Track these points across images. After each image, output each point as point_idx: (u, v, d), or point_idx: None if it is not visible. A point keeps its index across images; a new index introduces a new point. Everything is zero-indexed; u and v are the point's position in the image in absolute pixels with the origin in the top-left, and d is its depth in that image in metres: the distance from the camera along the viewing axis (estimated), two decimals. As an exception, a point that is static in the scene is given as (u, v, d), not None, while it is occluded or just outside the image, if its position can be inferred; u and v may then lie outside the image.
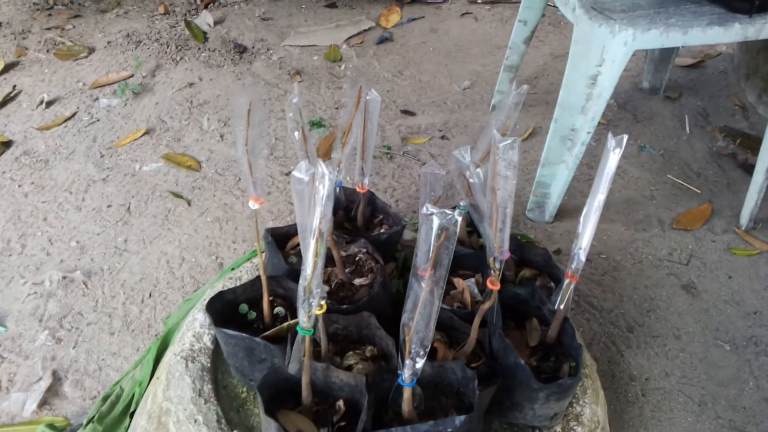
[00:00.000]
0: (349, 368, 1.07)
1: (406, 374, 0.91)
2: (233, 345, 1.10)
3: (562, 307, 1.08)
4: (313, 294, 0.87)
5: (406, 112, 2.24)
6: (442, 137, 2.13)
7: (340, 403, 0.99)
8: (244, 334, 1.06)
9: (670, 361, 1.46)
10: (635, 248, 1.73)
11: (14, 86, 2.44)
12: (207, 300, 1.14)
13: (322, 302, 0.97)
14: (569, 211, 1.83)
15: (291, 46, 2.65)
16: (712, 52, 2.62)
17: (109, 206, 1.88)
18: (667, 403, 1.38)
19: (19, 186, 1.96)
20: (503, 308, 1.11)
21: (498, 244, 0.94)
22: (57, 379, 1.44)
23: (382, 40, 2.69)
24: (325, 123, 2.17)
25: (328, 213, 0.84)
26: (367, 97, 1.21)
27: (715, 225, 1.81)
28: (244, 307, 1.18)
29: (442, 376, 1.02)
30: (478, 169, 1.15)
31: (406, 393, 0.92)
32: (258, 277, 1.16)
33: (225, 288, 1.37)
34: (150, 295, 1.62)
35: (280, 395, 1.00)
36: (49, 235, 1.79)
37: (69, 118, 2.25)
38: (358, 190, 1.35)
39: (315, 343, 1.06)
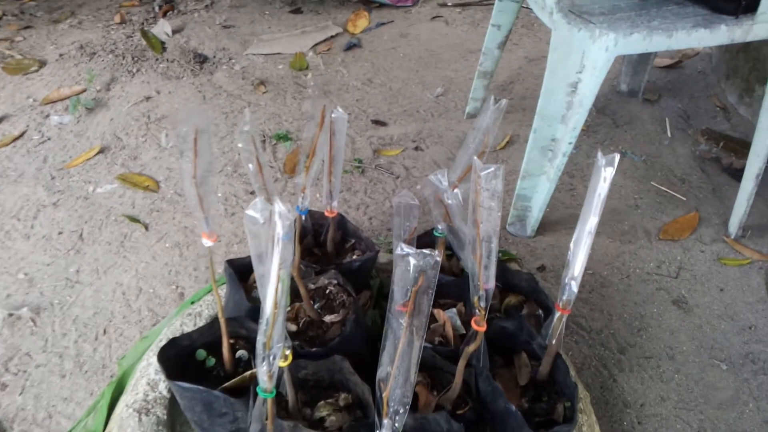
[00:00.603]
0: (321, 421, 0.96)
1: (384, 434, 0.80)
2: (189, 398, 0.98)
3: (553, 342, 0.98)
4: (274, 348, 0.76)
5: (378, 122, 2.14)
6: (416, 148, 2.03)
7: (311, 466, 0.88)
8: (200, 387, 0.94)
9: (665, 384, 1.38)
10: (622, 262, 1.65)
11: (-42, 103, 2.28)
12: (160, 347, 1.02)
13: (287, 352, 0.85)
14: (551, 223, 1.74)
15: (254, 54, 2.52)
16: (690, 52, 2.56)
17: (60, 233, 1.74)
18: (664, 430, 1.29)
19: (-38, 213, 1.81)
20: (489, 342, 1.01)
21: (483, 281, 0.84)
22: (1, 430, 1.30)
23: (350, 47, 2.59)
24: (292, 136, 2.05)
25: (288, 257, 0.73)
26: (333, 115, 1.10)
27: (703, 234, 1.73)
28: (201, 353, 1.06)
29: (425, 429, 0.91)
30: (456, 190, 1.05)
31: (385, 455, 0.81)
32: (216, 319, 1.04)
33: (183, 325, 1.26)
34: (104, 331, 1.48)
35: (241, 460, 0.89)
36: (-6, 267, 1.64)
37: (18, 138, 2.10)
38: (326, 214, 1.24)
39: (280, 395, 0.94)
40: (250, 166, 0.86)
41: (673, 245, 1.71)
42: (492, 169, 0.74)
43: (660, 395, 1.36)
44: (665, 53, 2.54)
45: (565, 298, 0.97)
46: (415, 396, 1.00)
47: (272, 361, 0.76)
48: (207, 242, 0.93)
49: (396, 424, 0.78)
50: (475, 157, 0.77)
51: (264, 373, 0.76)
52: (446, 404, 0.97)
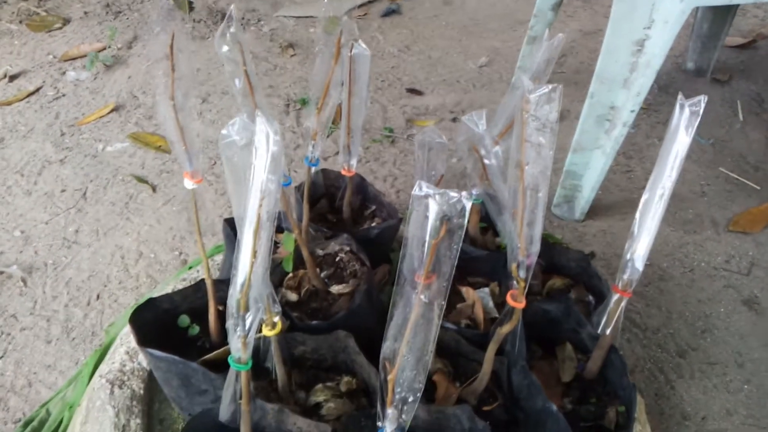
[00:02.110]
0: (317, 407, 0.79)
1: (388, 429, 0.62)
2: (164, 370, 0.82)
3: (608, 331, 0.79)
4: (252, 310, 0.59)
5: (413, 91, 1.96)
6: (454, 119, 1.84)
7: (298, 461, 0.71)
8: (175, 357, 0.78)
9: (732, 395, 1.17)
10: (685, 254, 1.43)
11: (-21, 59, 2.18)
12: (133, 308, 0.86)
13: (275, 319, 0.69)
14: (604, 207, 1.54)
15: (285, 17, 2.37)
16: (765, 31, 2.30)
17: (63, 191, 1.61)
18: (730, 450, 1.08)
19: (-34, 167, 1.70)
20: (528, 328, 0.83)
21: (524, 244, 0.65)
22: (-25, 396, 1.18)
23: (389, 13, 2.41)
24: (308, 107, 1.89)
25: (272, 191, 0.56)
26: (353, 51, 0.93)
27: (779, 227, 1.51)
28: (184, 320, 0.90)
29: (441, 426, 0.73)
30: (497, 148, 0.86)
31: (388, 455, 0.64)
32: (203, 280, 0.88)
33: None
34: (98, 296, 1.34)
35: (213, 448, 0.73)
36: (-9, 223, 1.52)
37: (32, 93, 1.99)
38: (343, 173, 1.07)
39: (267, 373, 0.78)
40: (236, 81, 0.69)
41: (745, 238, 1.48)
42: (546, 89, 0.56)
43: (726, 408, 1.15)
44: (738, 32, 2.29)
45: (626, 277, 0.78)
46: (432, 386, 0.82)
47: (249, 324, 0.59)
48: (190, 183, 0.77)
49: (403, 416, 0.61)
50: (524, 77, 0.58)
51: (237, 339, 0.59)
52: (470, 398, 0.79)
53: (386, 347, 0.61)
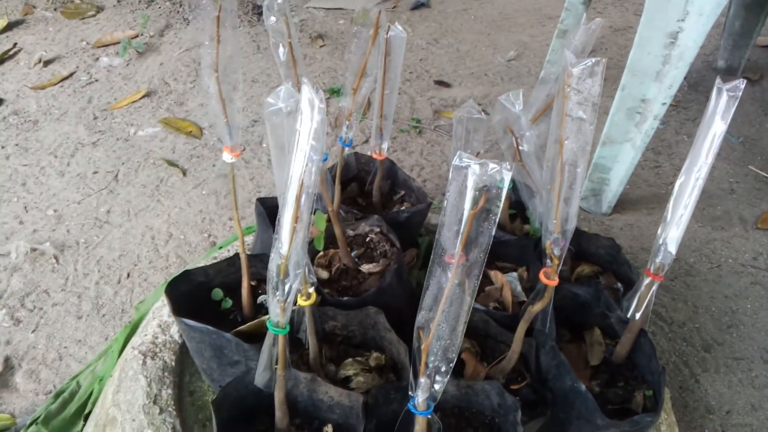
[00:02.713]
0: (347, 380, 0.80)
1: (419, 398, 0.63)
2: (197, 340, 0.84)
3: (638, 316, 0.79)
4: (291, 276, 0.60)
5: (441, 83, 1.96)
6: (483, 111, 1.84)
7: (329, 429, 0.72)
8: (209, 327, 0.80)
9: (758, 390, 1.16)
10: (712, 250, 1.43)
11: (15, 44, 2.23)
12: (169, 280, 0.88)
13: (310, 290, 0.70)
14: (631, 202, 1.53)
15: (315, 8, 2.39)
16: (799, 33, 2.28)
17: (95, 172, 1.64)
18: (755, 445, 1.08)
19: (2, 147, 1.74)
20: (556, 312, 0.83)
21: (560, 220, 0.66)
22: (9, 367, 1.21)
23: (418, 6, 2.42)
24: (344, 88, 1.91)
25: (317, 159, 0.57)
26: (390, 33, 0.94)
27: (809, 227, 1.49)
28: (218, 293, 0.92)
29: (470, 401, 0.74)
30: (531, 131, 0.87)
31: (419, 424, 0.64)
32: (237, 256, 0.90)
33: (205, 269, 1.11)
34: (128, 275, 1.37)
35: (247, 414, 0.74)
36: (26, 201, 1.56)
37: (66, 78, 2.02)
38: (374, 156, 1.08)
39: (301, 344, 0.79)
40: (280, 50, 0.71)
41: (773, 236, 1.47)
42: (590, 63, 0.56)
43: (751, 403, 1.14)
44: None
45: (658, 261, 0.78)
46: (461, 365, 0.83)
47: (288, 289, 0.60)
48: (229, 157, 0.79)
49: (435, 386, 0.62)
50: (567, 51, 0.59)
51: (276, 304, 0.61)
52: (498, 377, 0.80)
53: (421, 317, 0.62)
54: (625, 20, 2.33)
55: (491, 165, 0.56)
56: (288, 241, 0.59)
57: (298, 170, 0.57)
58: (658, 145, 1.71)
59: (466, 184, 0.57)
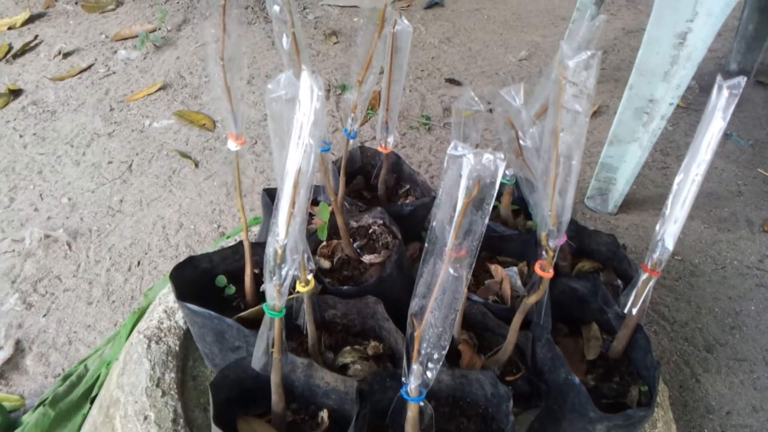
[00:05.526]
0: (344, 368, 0.82)
1: (412, 384, 0.64)
2: (199, 325, 0.86)
3: (635, 311, 0.80)
4: (288, 261, 0.62)
5: (452, 81, 1.97)
6: (491, 110, 1.85)
7: (324, 414, 0.74)
8: (211, 312, 0.82)
9: (759, 392, 1.16)
10: (717, 251, 1.42)
11: (36, 36, 2.27)
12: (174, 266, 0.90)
13: (309, 276, 0.71)
14: (638, 202, 1.53)
15: (330, 5, 2.41)
16: (815, 36, 2.25)
17: (110, 162, 1.67)
18: (754, 446, 1.08)
19: (21, 136, 1.78)
20: (554, 306, 0.84)
21: (555, 212, 0.67)
22: (20, 350, 1.24)
23: (432, 5, 2.43)
24: (349, 80, 1.93)
25: (314, 146, 0.59)
26: (396, 28, 0.95)
27: (817, 231, 1.48)
28: (221, 280, 0.94)
29: (464, 390, 0.75)
30: (533, 129, 0.87)
31: (411, 411, 0.66)
32: (242, 243, 0.92)
33: (211, 258, 1.13)
34: (138, 263, 1.40)
35: (244, 396, 0.76)
36: (41, 189, 1.59)
37: (84, 70, 2.06)
38: (380, 150, 1.09)
39: (300, 332, 0.81)
40: (284, 39, 0.72)
41: (781, 240, 1.46)
42: (585, 56, 0.57)
43: (752, 404, 1.14)
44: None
45: (655, 256, 0.78)
46: (457, 355, 0.84)
47: (285, 273, 0.62)
48: (233, 145, 0.81)
49: (428, 373, 0.63)
50: (562, 43, 0.60)
51: (273, 288, 0.62)
52: (493, 368, 0.81)
53: (414, 303, 0.63)
54: (638, 22, 2.32)
55: (486, 155, 0.57)
56: (285, 226, 0.61)
57: (296, 157, 0.59)
58: (666, 147, 1.71)
59: (461, 173, 0.58)
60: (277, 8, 0.69)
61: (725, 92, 0.74)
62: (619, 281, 0.99)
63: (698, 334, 1.25)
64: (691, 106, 1.89)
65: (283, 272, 0.62)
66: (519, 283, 0.97)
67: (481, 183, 0.57)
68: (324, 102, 0.57)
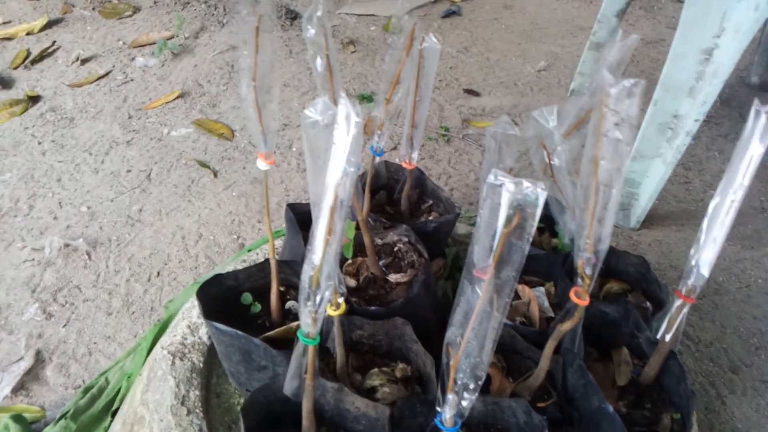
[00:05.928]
0: (372, 391, 0.81)
1: (447, 414, 0.64)
2: (226, 344, 0.85)
3: (668, 337, 0.79)
4: (322, 287, 0.61)
5: (470, 92, 1.96)
6: (514, 121, 1.84)
7: (354, 439, 0.73)
8: (238, 332, 0.81)
9: (786, 415, 1.14)
10: (742, 269, 1.41)
11: (54, 42, 2.28)
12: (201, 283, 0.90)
13: (340, 300, 0.71)
14: (660, 217, 1.52)
15: (347, 14, 2.41)
16: (838, 49, 2.23)
17: (128, 171, 1.67)
18: (782, 471, 1.06)
19: (39, 143, 1.78)
20: (584, 330, 0.83)
21: (593, 240, 0.66)
22: (40, 360, 1.24)
23: (449, 14, 2.42)
24: (376, 97, 1.92)
25: (352, 172, 0.58)
26: (424, 45, 0.95)
27: (843, 249, 1.46)
28: (247, 297, 0.93)
29: (496, 418, 0.74)
30: (563, 146, 0.87)
31: (445, 440, 0.65)
32: (267, 261, 0.91)
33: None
34: (158, 273, 1.40)
35: (274, 421, 0.75)
36: (60, 197, 1.59)
37: (102, 77, 2.07)
38: (404, 165, 1.09)
39: (328, 353, 0.80)
40: (318, 61, 0.72)
41: (806, 258, 1.44)
42: (629, 84, 0.56)
43: (779, 428, 1.13)
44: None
45: (690, 283, 0.77)
46: (487, 380, 0.83)
47: (319, 300, 0.61)
48: (263, 164, 0.80)
49: (463, 402, 0.62)
50: (604, 70, 0.59)
51: (307, 314, 0.61)
52: (524, 393, 0.80)
53: (450, 333, 0.62)
54: (657, 33, 2.30)
55: (526, 183, 0.56)
56: (321, 253, 0.60)
57: (333, 183, 0.58)
58: (688, 161, 1.69)
59: (500, 201, 0.57)
60: (313, 31, 0.69)
61: (763, 117, 0.73)
62: (648, 303, 0.97)
63: (723, 354, 1.23)
64: (712, 119, 1.87)
65: (318, 299, 0.62)
66: (546, 303, 0.96)
67: (521, 213, 0.56)
68: (362, 128, 0.57)
